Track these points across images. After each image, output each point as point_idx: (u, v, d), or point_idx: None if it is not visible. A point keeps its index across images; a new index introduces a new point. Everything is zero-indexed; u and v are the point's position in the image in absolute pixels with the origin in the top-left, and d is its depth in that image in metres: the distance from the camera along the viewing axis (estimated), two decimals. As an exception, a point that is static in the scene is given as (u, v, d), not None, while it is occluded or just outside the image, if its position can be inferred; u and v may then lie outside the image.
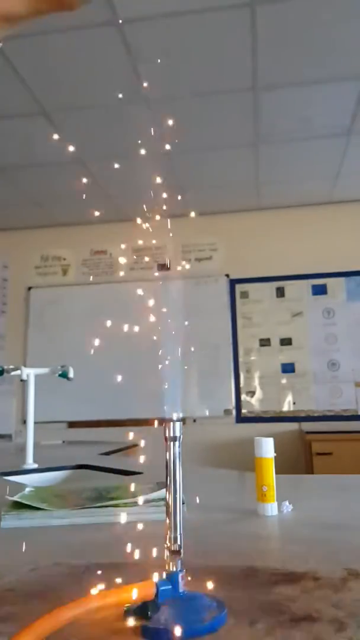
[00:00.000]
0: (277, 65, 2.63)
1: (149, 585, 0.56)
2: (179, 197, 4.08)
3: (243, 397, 4.22)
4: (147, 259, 4.53)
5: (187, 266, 4.40)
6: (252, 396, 4.22)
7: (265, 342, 4.27)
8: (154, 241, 4.45)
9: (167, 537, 0.59)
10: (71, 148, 3.37)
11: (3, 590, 0.68)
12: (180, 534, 0.59)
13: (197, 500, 1.07)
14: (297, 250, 4.34)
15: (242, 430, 4.06)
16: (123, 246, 4.59)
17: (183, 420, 0.62)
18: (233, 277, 4.40)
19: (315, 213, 4.38)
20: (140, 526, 0.67)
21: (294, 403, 4.14)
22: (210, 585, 0.64)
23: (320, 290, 4.28)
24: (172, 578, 0.57)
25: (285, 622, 0.55)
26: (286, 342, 4.24)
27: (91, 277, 4.57)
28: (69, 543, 0.92)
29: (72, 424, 4.30)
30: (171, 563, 0.58)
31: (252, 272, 4.37)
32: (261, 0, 2.23)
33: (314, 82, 2.77)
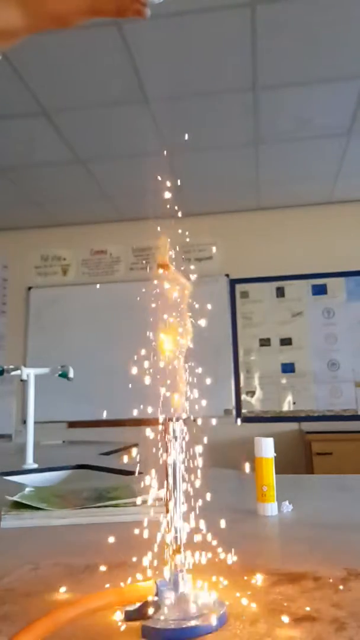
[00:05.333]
0: (277, 65, 2.63)
1: (149, 585, 0.56)
2: (179, 197, 4.07)
3: (243, 397, 4.22)
4: (146, 258, 4.53)
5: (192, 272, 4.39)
6: (252, 396, 4.22)
7: (265, 342, 4.27)
8: (155, 241, 4.44)
9: (167, 537, 0.59)
10: (71, 148, 3.36)
11: (3, 590, 0.68)
12: (180, 534, 0.59)
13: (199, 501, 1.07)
14: (297, 250, 4.34)
15: (242, 430, 4.05)
16: (123, 246, 4.59)
17: (182, 420, 0.62)
18: (233, 277, 4.40)
19: (315, 213, 4.38)
20: (140, 526, 0.67)
21: (294, 403, 4.14)
22: (210, 585, 0.64)
23: (320, 290, 4.28)
24: (172, 578, 0.57)
25: (285, 622, 0.55)
26: (286, 342, 4.24)
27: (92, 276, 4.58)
28: (69, 543, 0.92)
29: (72, 424, 4.30)
30: (171, 563, 0.58)
31: (252, 272, 4.37)
32: (261, 0, 2.23)
33: (314, 82, 2.77)
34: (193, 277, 0.65)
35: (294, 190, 4.13)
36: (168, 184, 0.74)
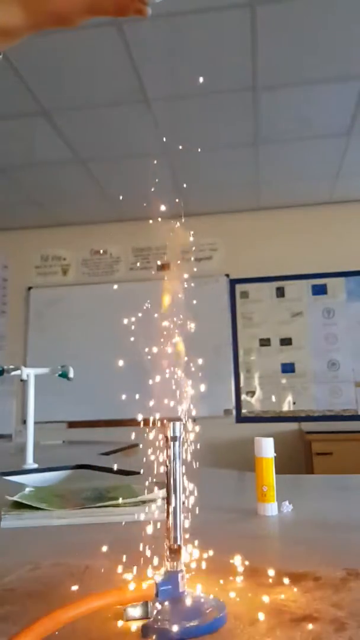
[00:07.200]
0: (277, 65, 2.63)
1: (149, 585, 0.56)
2: (179, 197, 4.08)
3: (243, 397, 4.22)
4: (146, 258, 4.53)
5: (188, 270, 4.40)
6: (252, 396, 4.22)
7: (265, 342, 4.27)
8: (155, 241, 4.45)
9: (167, 537, 0.59)
10: (71, 148, 3.36)
11: (3, 590, 0.68)
12: (180, 534, 0.59)
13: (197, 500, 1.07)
14: (297, 250, 4.34)
15: (242, 430, 4.05)
16: (123, 246, 4.60)
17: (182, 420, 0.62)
18: (233, 277, 4.40)
19: (315, 213, 4.38)
20: (140, 526, 0.67)
21: (294, 403, 4.14)
22: (210, 585, 0.64)
23: (320, 290, 4.28)
24: (172, 578, 0.57)
25: (285, 622, 0.55)
26: (286, 342, 4.24)
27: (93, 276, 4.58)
28: (69, 543, 0.92)
29: (72, 424, 4.30)
30: (171, 563, 0.58)
31: (252, 272, 4.37)
32: (261, 0, 2.23)
33: (314, 82, 2.77)
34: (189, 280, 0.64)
35: (294, 190, 4.14)
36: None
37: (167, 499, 0.60)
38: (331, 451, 3.53)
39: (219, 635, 0.53)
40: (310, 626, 0.54)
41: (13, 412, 4.40)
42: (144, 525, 0.68)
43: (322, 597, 0.61)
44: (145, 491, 1.15)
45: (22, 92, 2.75)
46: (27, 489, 1.28)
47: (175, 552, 0.58)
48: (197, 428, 0.67)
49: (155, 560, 0.66)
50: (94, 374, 3.89)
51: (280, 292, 4.33)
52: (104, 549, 0.79)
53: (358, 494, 1.36)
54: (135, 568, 0.68)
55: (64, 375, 2.11)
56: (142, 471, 1.54)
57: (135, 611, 0.55)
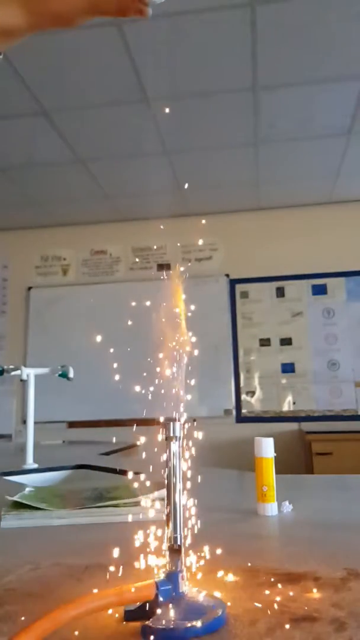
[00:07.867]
0: (277, 65, 2.62)
1: (149, 585, 0.56)
2: (179, 197, 4.08)
3: (243, 397, 4.22)
4: (147, 259, 4.53)
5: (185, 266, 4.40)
6: (252, 396, 4.22)
7: (265, 342, 4.27)
8: (154, 243, 4.45)
9: (167, 537, 0.59)
10: (71, 148, 3.36)
11: (3, 590, 0.68)
12: (180, 534, 0.59)
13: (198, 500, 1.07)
14: (297, 250, 4.34)
15: (242, 430, 4.05)
16: (123, 246, 4.60)
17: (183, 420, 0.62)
18: (233, 277, 4.40)
19: (315, 213, 4.38)
20: (140, 526, 0.67)
21: (294, 403, 4.14)
22: (210, 585, 0.64)
23: (320, 290, 4.28)
24: (172, 578, 0.57)
25: (285, 622, 0.55)
26: (286, 342, 4.24)
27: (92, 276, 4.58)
28: (69, 543, 0.92)
29: (72, 424, 4.30)
30: (171, 563, 0.58)
31: (252, 272, 4.37)
32: (261, 0, 2.23)
33: (314, 82, 2.77)
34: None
35: (294, 190, 4.13)
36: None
37: (167, 499, 0.60)
38: (331, 451, 3.53)
39: (218, 635, 0.53)
40: (310, 626, 0.54)
41: (13, 412, 4.40)
42: (143, 525, 0.68)
43: (322, 597, 0.61)
44: (145, 491, 1.15)
45: (22, 92, 2.75)
46: (27, 489, 1.28)
47: (175, 552, 0.58)
48: (197, 426, 0.67)
49: (155, 561, 0.66)
50: (94, 374, 3.89)
51: (280, 292, 4.33)
52: (104, 548, 0.79)
53: (358, 494, 1.36)
54: (135, 568, 0.68)
55: (64, 375, 2.11)
56: (141, 471, 1.54)
57: (135, 611, 0.55)
